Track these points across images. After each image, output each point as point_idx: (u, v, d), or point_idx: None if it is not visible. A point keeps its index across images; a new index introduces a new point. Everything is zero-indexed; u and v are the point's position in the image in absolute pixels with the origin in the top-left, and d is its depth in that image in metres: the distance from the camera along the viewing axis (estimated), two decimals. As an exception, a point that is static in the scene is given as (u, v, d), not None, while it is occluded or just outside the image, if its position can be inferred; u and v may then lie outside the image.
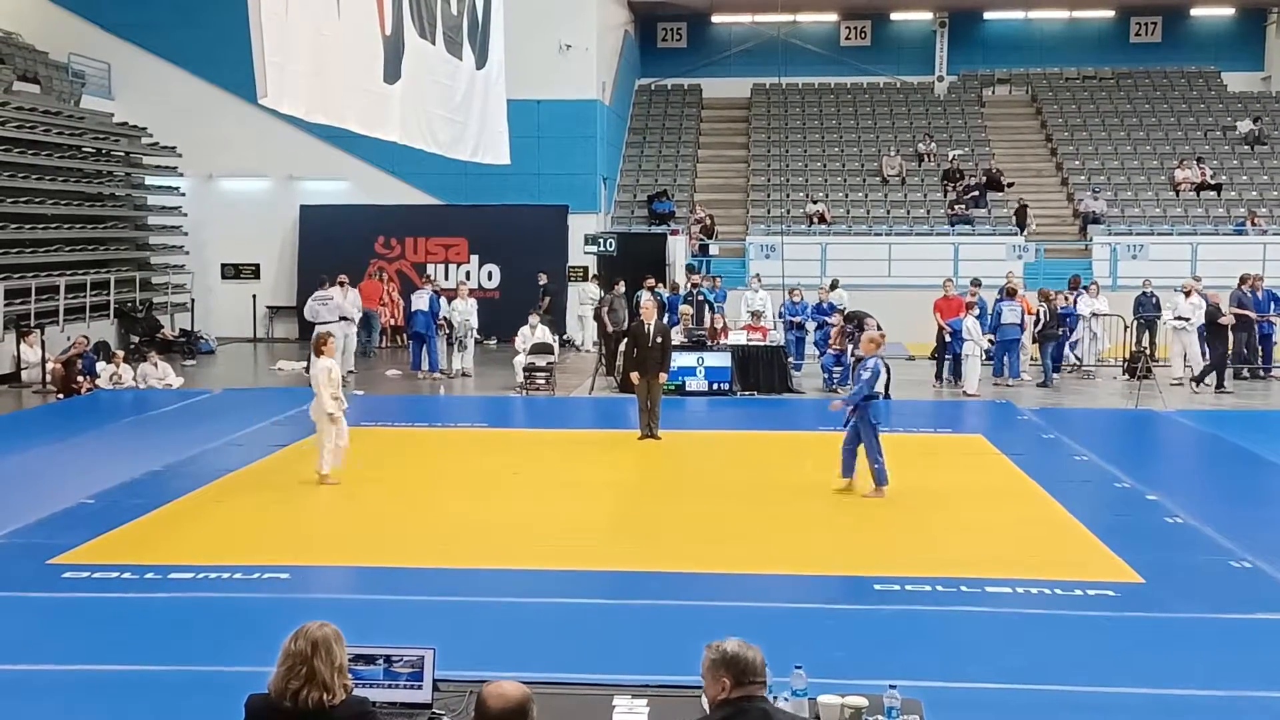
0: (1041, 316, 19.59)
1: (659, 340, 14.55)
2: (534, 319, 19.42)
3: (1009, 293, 19.60)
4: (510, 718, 3.64)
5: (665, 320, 17.10)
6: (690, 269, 23.15)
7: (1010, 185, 28.36)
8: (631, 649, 6.97)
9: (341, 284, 20.16)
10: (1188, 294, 19.88)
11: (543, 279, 24.00)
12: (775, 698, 4.51)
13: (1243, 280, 20.58)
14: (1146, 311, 20.74)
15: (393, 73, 12.16)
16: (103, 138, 24.90)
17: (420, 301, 20.48)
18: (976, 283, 20.75)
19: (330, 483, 11.74)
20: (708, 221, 27.23)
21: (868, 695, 4.55)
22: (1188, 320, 19.51)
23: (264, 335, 26.60)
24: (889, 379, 17.76)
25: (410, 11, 12.69)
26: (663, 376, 14.70)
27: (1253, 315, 20.26)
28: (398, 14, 12.27)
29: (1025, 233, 26.78)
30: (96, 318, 22.46)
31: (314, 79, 10.17)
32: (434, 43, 13.69)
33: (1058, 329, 19.90)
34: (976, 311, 18.95)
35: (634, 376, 14.56)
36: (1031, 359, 20.37)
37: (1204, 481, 12.52)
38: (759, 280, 22.37)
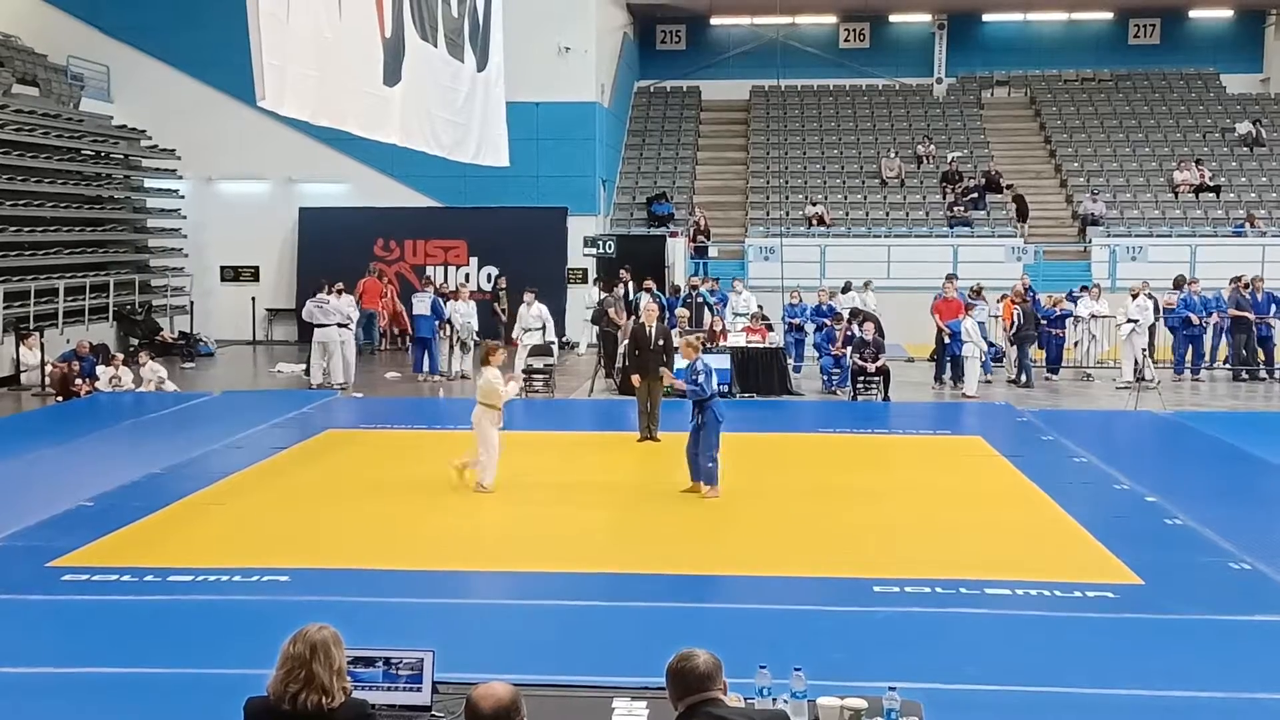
0: (1016, 319, 19.59)
1: (660, 343, 14.54)
2: (529, 296, 19.60)
3: (975, 292, 20.17)
4: (504, 715, 3.68)
5: (666, 322, 17.11)
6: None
7: (1009, 187, 28.38)
8: (631, 651, 6.96)
9: (339, 291, 20.14)
10: (1134, 295, 19.83)
11: (501, 283, 24.61)
12: (775, 699, 4.52)
13: (1236, 281, 20.63)
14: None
15: (393, 75, 12.14)
16: (102, 140, 24.91)
17: (422, 305, 20.47)
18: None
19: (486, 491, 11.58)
20: (701, 224, 27.21)
21: (867, 697, 4.56)
22: (1136, 322, 19.41)
23: (263, 338, 26.59)
24: (887, 381, 18.00)
25: (411, 14, 12.68)
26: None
27: (1250, 316, 20.32)
28: (398, 16, 12.26)
29: (1025, 224, 26.85)
30: (96, 320, 22.48)
31: (316, 81, 10.15)
32: (436, 45, 13.68)
33: (1033, 331, 19.80)
34: (975, 312, 18.98)
35: (635, 379, 14.56)
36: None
37: (1203, 483, 12.49)
38: (742, 283, 22.51)
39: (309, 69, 9.94)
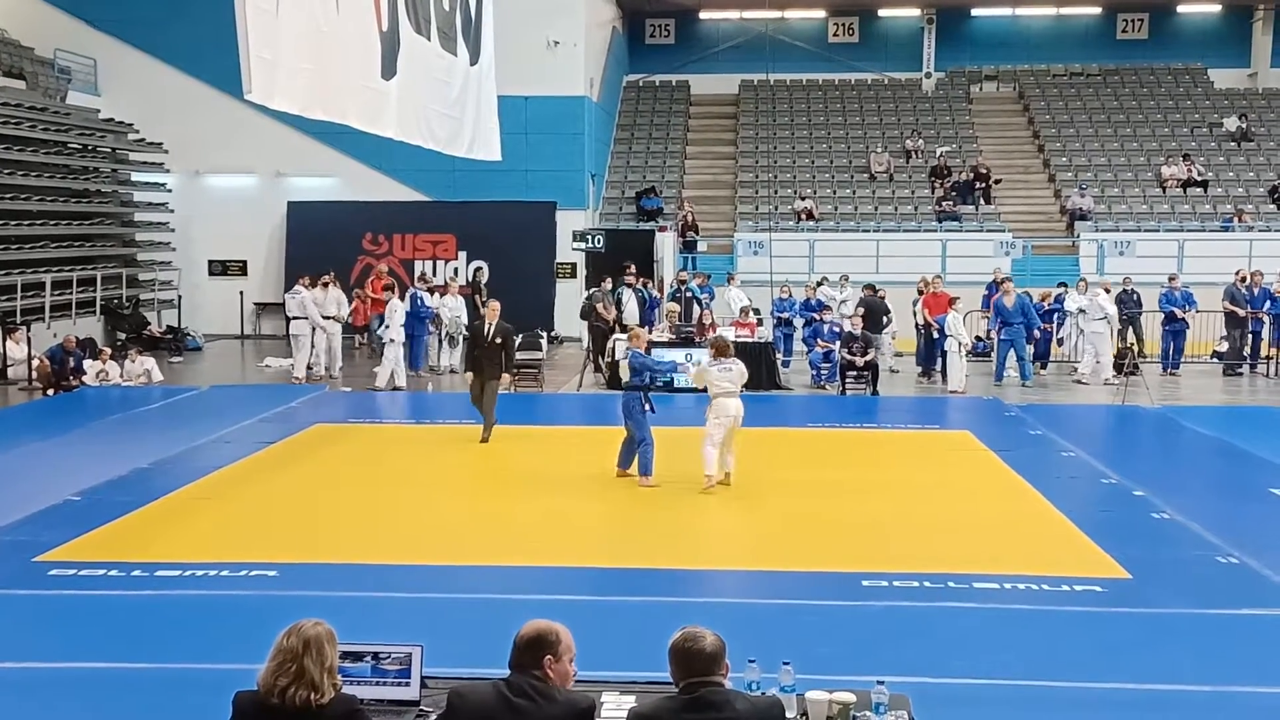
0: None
1: (497, 341, 14.23)
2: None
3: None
4: (532, 645, 4.16)
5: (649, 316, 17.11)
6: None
7: (998, 182, 28.40)
8: (619, 646, 6.96)
9: (325, 284, 20.04)
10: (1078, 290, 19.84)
11: (482, 276, 24.45)
12: (764, 693, 4.51)
13: (1239, 276, 20.72)
14: (1128, 308, 20.80)
15: (389, 69, 12.11)
16: (89, 134, 24.79)
17: (405, 301, 20.42)
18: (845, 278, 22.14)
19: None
20: (689, 219, 27.18)
21: (855, 691, 4.56)
22: (1082, 314, 19.40)
23: (251, 332, 26.52)
24: (876, 375, 18.03)
25: (406, 8, 12.66)
26: (505, 378, 14.52)
27: (1241, 311, 20.36)
28: (393, 10, 12.22)
29: (991, 198, 27.05)
30: (83, 314, 22.37)
31: (312, 75, 10.11)
32: (430, 39, 13.65)
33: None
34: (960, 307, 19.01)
35: (468, 377, 14.39)
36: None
37: (1191, 477, 12.56)
38: (735, 279, 22.54)
39: (304, 63, 9.88)
